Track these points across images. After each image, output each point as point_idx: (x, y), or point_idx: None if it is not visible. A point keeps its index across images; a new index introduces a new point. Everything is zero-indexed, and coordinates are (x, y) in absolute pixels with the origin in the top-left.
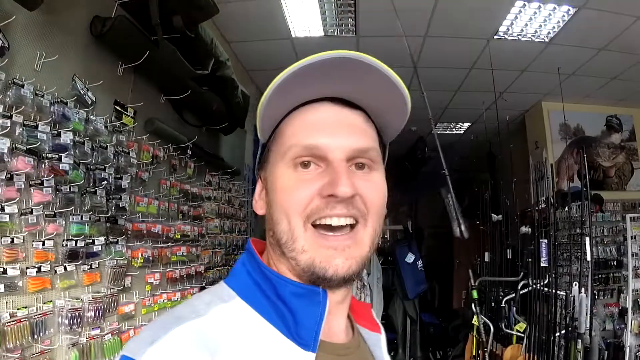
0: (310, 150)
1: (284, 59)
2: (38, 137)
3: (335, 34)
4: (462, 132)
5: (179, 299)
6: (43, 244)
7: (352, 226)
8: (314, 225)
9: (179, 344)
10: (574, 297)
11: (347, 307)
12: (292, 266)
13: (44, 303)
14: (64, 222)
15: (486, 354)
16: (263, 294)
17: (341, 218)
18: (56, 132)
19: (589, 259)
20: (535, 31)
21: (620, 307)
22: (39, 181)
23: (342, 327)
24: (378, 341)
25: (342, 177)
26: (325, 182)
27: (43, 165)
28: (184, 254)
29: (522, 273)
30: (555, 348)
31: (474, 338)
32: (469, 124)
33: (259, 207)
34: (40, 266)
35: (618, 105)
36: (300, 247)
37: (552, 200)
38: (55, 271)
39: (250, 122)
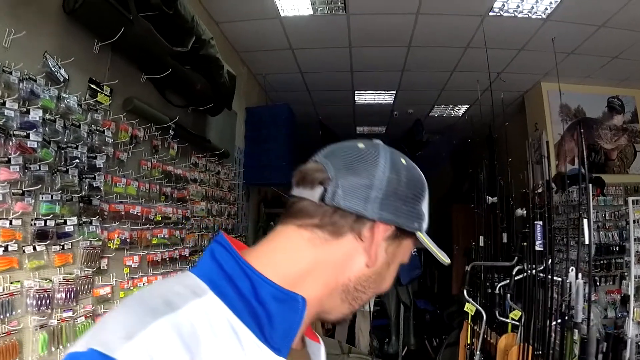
0: None
1: (273, 40)
2: (5, 114)
3: (325, 12)
4: (460, 114)
5: None
6: (10, 223)
7: None
8: None
9: (160, 340)
10: (570, 283)
11: None
12: (346, 306)
13: (11, 283)
14: (32, 201)
15: (479, 343)
16: (236, 291)
17: None
18: (25, 109)
19: (587, 242)
20: (532, 7)
21: (622, 294)
22: (6, 159)
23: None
24: (318, 350)
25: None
26: None
27: (10, 143)
28: (166, 236)
29: (515, 257)
30: (552, 338)
31: (469, 326)
32: (467, 106)
33: (376, 256)
34: (7, 245)
35: (620, 86)
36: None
37: (550, 184)
38: (24, 251)
39: (241, 104)
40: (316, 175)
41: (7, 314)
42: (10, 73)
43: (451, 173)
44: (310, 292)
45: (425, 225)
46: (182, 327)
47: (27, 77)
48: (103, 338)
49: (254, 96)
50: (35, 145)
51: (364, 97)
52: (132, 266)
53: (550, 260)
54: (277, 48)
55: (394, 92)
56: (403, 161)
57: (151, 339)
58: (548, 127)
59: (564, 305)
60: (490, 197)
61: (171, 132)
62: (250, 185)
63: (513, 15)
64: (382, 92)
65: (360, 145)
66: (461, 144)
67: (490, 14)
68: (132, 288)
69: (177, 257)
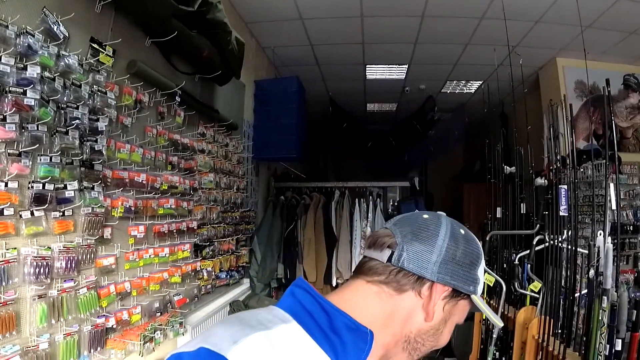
0: None
1: (282, 9)
2: (1, 69)
3: None
4: (472, 91)
5: (167, 255)
6: (6, 185)
7: None
8: None
9: (258, 346)
10: (598, 248)
11: None
12: (406, 355)
13: (7, 250)
14: (30, 163)
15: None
16: (314, 322)
17: None
18: (22, 65)
19: (614, 207)
20: None
21: (636, 274)
22: (1, 116)
23: None
24: None
25: None
26: None
27: (6, 100)
28: (173, 207)
29: (537, 225)
30: (575, 307)
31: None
32: (480, 82)
33: (433, 312)
34: (3, 209)
35: (636, 64)
36: (423, 355)
37: (569, 158)
38: (21, 215)
39: (249, 77)
40: (385, 240)
41: (3, 283)
42: (7, 27)
43: (462, 153)
44: (378, 338)
45: (480, 289)
46: (273, 339)
47: (25, 31)
48: (213, 341)
49: (262, 71)
50: (33, 103)
51: (375, 72)
52: (138, 236)
53: (574, 225)
54: (287, 18)
55: (406, 66)
56: (462, 231)
57: (252, 344)
58: (563, 103)
59: (592, 271)
60: (507, 167)
61: (177, 99)
62: (259, 160)
63: None
64: (394, 66)
65: (425, 216)
66: (473, 123)
67: None
68: (137, 260)
69: (185, 229)
